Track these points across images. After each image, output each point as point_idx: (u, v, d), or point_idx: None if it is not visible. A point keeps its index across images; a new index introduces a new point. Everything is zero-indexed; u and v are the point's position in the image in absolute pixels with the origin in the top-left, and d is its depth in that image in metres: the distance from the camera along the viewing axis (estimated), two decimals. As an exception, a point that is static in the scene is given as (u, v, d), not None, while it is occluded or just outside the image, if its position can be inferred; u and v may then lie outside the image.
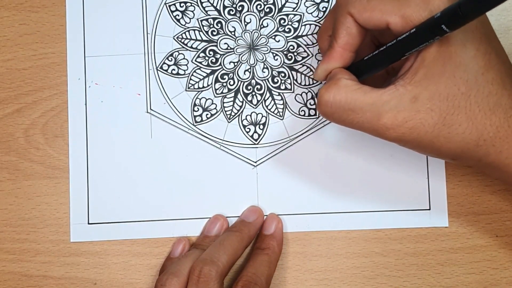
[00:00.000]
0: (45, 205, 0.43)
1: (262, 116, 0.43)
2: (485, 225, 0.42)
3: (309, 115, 0.42)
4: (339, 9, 0.33)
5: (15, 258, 0.42)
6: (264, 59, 0.43)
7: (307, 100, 0.42)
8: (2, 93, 0.43)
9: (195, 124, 0.43)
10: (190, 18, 0.43)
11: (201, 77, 0.43)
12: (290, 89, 0.43)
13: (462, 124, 0.31)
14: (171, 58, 0.43)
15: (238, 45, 0.43)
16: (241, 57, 0.43)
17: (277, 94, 0.43)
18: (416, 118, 0.31)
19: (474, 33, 0.31)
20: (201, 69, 0.43)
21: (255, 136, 0.43)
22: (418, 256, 0.42)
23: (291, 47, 0.43)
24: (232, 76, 0.43)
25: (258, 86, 0.43)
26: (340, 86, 0.33)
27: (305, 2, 0.43)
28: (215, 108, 0.43)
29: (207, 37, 0.43)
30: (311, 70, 0.43)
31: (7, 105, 0.43)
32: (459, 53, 0.31)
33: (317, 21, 0.43)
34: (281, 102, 0.43)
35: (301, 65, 0.43)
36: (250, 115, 0.43)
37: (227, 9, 0.43)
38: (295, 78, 0.43)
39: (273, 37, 0.43)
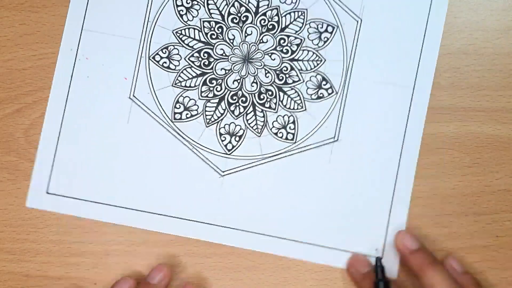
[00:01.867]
0: (45, 205, 0.43)
1: (240, 129, 0.42)
2: (485, 225, 0.42)
3: (286, 138, 0.42)
4: None
5: (15, 258, 0.42)
6: (256, 73, 0.43)
7: (287, 124, 0.42)
8: (2, 93, 0.43)
9: (173, 120, 0.43)
10: (193, 16, 0.43)
11: (190, 76, 0.43)
12: (274, 109, 0.42)
13: None
14: (165, 51, 0.43)
15: (233, 54, 0.43)
16: (234, 66, 0.43)
17: (260, 110, 0.42)
18: None
19: None
20: (192, 68, 0.43)
21: (229, 146, 0.42)
22: (418, 256, 0.42)
23: (285, 68, 0.43)
24: (220, 82, 0.43)
25: (244, 99, 0.42)
26: None
27: (308, 28, 0.43)
28: (196, 110, 0.43)
29: (205, 39, 0.43)
30: (299, 95, 0.42)
31: (7, 105, 0.43)
32: None
33: (316, 49, 0.42)
34: (262, 119, 0.42)
35: (290, 88, 0.42)
36: (229, 125, 0.43)
37: (231, 16, 0.43)
38: (281, 99, 0.42)
39: (270, 54, 0.43)
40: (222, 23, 0.43)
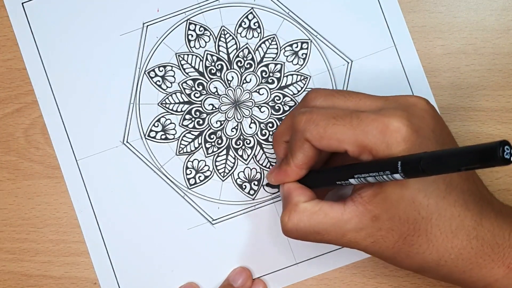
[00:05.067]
0: (45, 205, 0.43)
1: (208, 169, 0.42)
2: (485, 225, 0.42)
3: (248, 193, 0.42)
4: (296, 133, 0.34)
5: (15, 258, 0.43)
6: (241, 120, 0.42)
7: (253, 179, 0.42)
8: (2, 93, 0.43)
9: (147, 137, 0.42)
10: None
11: (177, 101, 0.42)
12: (246, 160, 0.42)
13: (422, 245, 0.31)
14: (162, 69, 0.43)
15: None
16: (221, 106, 0.42)
17: (232, 156, 0.42)
18: (377, 234, 0.32)
19: None
20: (182, 94, 0.42)
21: (192, 181, 0.42)
22: (418, 256, 0.42)
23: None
24: (205, 117, 0.42)
25: (220, 140, 0.42)
26: (300, 212, 0.33)
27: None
28: (173, 135, 0.42)
29: (203, 71, 0.42)
30: None
31: (7, 105, 0.43)
32: (418, 179, 0.30)
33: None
34: (232, 165, 0.42)
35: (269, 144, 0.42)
36: (199, 161, 0.42)
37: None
38: (255, 153, 0.42)
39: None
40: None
